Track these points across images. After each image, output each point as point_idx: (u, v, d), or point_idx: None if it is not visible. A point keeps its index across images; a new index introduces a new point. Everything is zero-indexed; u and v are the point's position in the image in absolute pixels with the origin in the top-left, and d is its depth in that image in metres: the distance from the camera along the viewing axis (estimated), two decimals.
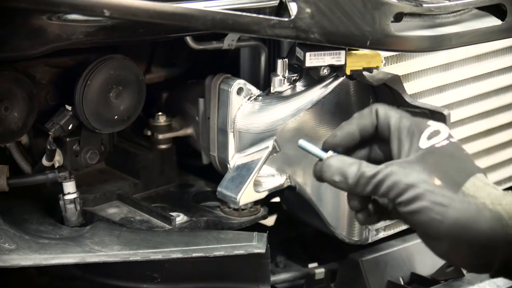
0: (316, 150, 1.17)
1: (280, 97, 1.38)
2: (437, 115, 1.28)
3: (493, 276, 1.10)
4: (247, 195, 1.37)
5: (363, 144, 1.18)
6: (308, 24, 1.16)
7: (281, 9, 1.20)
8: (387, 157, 1.15)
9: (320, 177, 1.15)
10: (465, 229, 1.07)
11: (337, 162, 1.14)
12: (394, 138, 1.14)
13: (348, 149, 1.17)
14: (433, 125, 1.13)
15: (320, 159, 1.16)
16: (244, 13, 1.15)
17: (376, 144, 1.18)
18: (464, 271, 1.47)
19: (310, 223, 1.55)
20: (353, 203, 1.16)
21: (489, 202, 1.07)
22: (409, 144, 1.12)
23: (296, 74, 1.39)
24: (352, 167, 1.12)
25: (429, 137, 1.11)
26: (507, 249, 1.06)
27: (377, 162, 1.13)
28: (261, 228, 1.44)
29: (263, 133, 1.37)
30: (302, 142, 1.18)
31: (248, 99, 1.40)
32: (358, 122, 1.17)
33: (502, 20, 1.31)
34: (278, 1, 1.20)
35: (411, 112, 1.19)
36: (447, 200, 1.07)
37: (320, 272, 1.59)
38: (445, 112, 1.28)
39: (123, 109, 1.39)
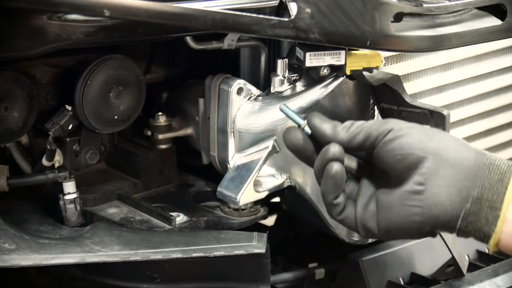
0: (294, 115, 1.21)
1: (280, 97, 1.38)
2: (437, 115, 1.28)
3: (468, 211, 1.10)
4: (247, 195, 1.37)
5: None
6: (308, 24, 1.16)
7: (281, 9, 1.20)
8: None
9: (309, 123, 1.17)
10: (452, 149, 1.12)
11: (320, 115, 1.18)
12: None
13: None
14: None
15: (298, 125, 1.19)
16: (244, 13, 1.15)
17: None
18: (464, 271, 1.47)
19: (310, 223, 1.55)
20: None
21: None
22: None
23: (296, 74, 1.39)
24: (342, 124, 1.16)
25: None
26: (487, 177, 1.10)
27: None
28: (261, 228, 1.44)
29: (263, 133, 1.37)
30: (283, 107, 1.22)
31: (248, 99, 1.40)
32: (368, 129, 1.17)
33: (502, 20, 1.31)
34: (278, 1, 1.20)
35: (410, 113, 1.20)
36: (434, 132, 1.14)
37: (320, 272, 1.59)
38: (445, 112, 1.28)
39: (123, 109, 1.39)
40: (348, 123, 1.16)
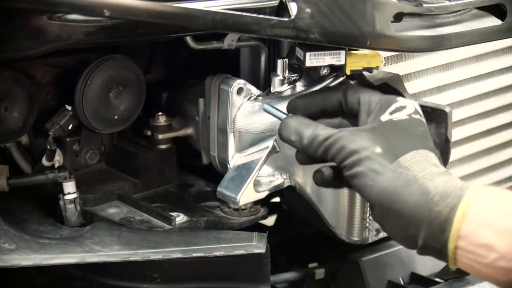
0: (278, 112, 1.24)
1: (280, 97, 1.38)
2: (439, 112, 1.28)
3: (419, 253, 1.10)
4: (247, 195, 1.37)
5: (334, 114, 1.23)
6: (308, 24, 1.16)
7: (281, 9, 1.20)
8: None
9: (280, 135, 1.21)
10: (392, 198, 1.08)
11: (294, 122, 1.19)
12: (363, 111, 1.18)
13: (316, 117, 1.22)
14: (401, 100, 1.16)
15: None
16: (244, 13, 1.15)
17: (346, 118, 1.23)
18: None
19: (310, 223, 1.55)
20: (300, 156, 1.22)
21: (421, 176, 1.07)
22: (373, 116, 1.15)
23: (296, 74, 1.39)
24: (308, 128, 1.17)
25: (392, 112, 1.15)
26: (429, 227, 1.06)
27: None
28: (261, 228, 1.44)
29: (263, 133, 1.37)
30: (266, 106, 1.26)
31: (248, 99, 1.40)
32: (323, 95, 1.24)
33: (502, 20, 1.31)
34: (278, 1, 1.20)
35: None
36: (381, 167, 1.09)
37: (320, 272, 1.59)
38: (447, 109, 1.28)
39: (123, 109, 1.39)
40: (320, 134, 1.16)
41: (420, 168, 1.08)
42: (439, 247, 1.06)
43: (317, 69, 1.32)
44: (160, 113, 1.49)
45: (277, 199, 1.58)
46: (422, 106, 1.29)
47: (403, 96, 1.32)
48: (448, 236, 1.04)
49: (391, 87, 1.34)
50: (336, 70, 1.33)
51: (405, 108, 1.15)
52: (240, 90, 1.39)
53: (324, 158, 1.16)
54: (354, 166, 1.11)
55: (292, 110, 1.24)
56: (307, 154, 1.18)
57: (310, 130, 1.17)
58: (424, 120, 1.16)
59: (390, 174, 1.09)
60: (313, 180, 1.22)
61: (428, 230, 1.06)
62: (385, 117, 1.14)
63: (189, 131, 1.51)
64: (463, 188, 1.05)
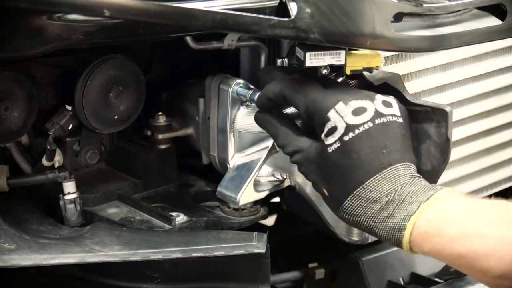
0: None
1: None
2: (439, 112, 1.27)
3: None
4: (247, 195, 1.37)
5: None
6: (308, 24, 1.16)
7: (281, 9, 1.19)
8: None
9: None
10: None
11: (262, 121, 1.27)
12: (304, 120, 1.27)
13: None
14: (332, 118, 1.18)
15: None
16: (244, 13, 1.15)
17: None
18: None
19: (310, 223, 1.55)
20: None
21: (364, 220, 1.16)
22: (317, 130, 1.20)
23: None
24: (273, 128, 1.26)
25: (327, 134, 1.18)
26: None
27: None
28: (261, 228, 1.44)
29: (263, 133, 1.37)
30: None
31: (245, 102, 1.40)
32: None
33: (502, 20, 1.31)
34: (278, 1, 1.20)
35: (412, 111, 1.21)
36: (333, 209, 1.21)
37: (320, 272, 1.59)
38: (447, 108, 1.28)
39: (123, 109, 1.39)
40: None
41: (361, 213, 1.16)
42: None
43: (317, 69, 1.32)
44: (160, 113, 1.49)
45: (277, 199, 1.58)
46: (422, 106, 1.29)
47: (402, 95, 1.32)
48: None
49: (391, 87, 1.34)
50: (336, 70, 1.32)
51: (336, 131, 1.18)
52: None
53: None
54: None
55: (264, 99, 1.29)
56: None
57: (274, 136, 1.26)
58: (362, 121, 1.18)
59: (342, 217, 1.19)
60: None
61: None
62: (323, 137, 1.19)
63: (189, 131, 1.51)
64: (400, 229, 1.12)
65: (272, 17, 1.16)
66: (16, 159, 1.41)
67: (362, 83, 1.35)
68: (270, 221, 1.77)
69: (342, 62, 1.27)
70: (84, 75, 1.33)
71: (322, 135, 1.19)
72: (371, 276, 1.49)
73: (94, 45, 1.29)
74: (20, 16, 1.17)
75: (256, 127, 1.38)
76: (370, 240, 1.46)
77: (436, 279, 1.50)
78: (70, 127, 1.36)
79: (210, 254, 1.28)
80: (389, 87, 1.34)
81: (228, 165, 1.41)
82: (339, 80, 1.35)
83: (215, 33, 1.38)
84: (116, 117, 1.38)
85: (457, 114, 1.53)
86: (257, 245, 1.29)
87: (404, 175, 1.15)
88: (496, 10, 1.32)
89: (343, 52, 1.26)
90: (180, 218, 1.38)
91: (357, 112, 1.18)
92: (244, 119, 1.39)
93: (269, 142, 1.38)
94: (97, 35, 1.20)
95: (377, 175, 1.15)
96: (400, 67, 1.42)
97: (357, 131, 1.17)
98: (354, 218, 1.17)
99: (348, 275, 1.52)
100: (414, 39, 1.24)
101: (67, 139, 1.40)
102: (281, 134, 1.24)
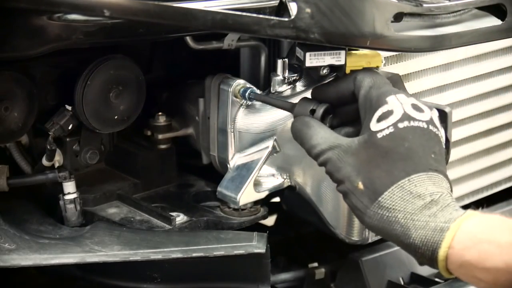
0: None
1: (280, 97, 1.38)
2: (439, 113, 1.27)
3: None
4: (247, 195, 1.37)
5: (350, 101, 1.23)
6: (308, 24, 1.16)
7: (281, 9, 1.20)
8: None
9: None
10: (380, 234, 1.13)
11: (298, 125, 1.22)
12: (361, 108, 1.19)
13: (334, 104, 1.24)
14: (390, 102, 1.15)
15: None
16: (244, 13, 1.15)
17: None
18: None
19: (310, 223, 1.55)
20: None
21: (402, 216, 1.09)
22: (367, 119, 1.16)
23: (296, 74, 1.39)
24: (307, 134, 1.20)
25: (379, 119, 1.14)
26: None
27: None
28: (261, 228, 1.44)
29: (263, 133, 1.37)
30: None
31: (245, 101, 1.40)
32: (337, 84, 1.25)
33: (502, 20, 1.31)
34: (278, 1, 1.20)
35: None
36: (364, 207, 1.12)
37: (320, 272, 1.59)
38: (447, 109, 1.28)
39: (123, 109, 1.39)
40: None
41: (400, 207, 1.10)
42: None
43: (317, 69, 1.32)
44: (160, 113, 1.49)
45: (277, 199, 1.58)
46: None
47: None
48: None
49: None
50: (336, 70, 1.33)
51: (392, 115, 1.14)
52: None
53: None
54: (342, 194, 1.16)
55: (314, 96, 1.26)
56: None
57: (308, 137, 1.19)
58: (419, 118, 1.15)
59: (373, 215, 1.11)
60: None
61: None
62: (373, 126, 1.14)
63: (189, 131, 1.51)
64: (443, 230, 1.06)
65: (272, 17, 1.16)
66: (16, 159, 1.41)
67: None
68: (270, 221, 1.77)
69: (342, 62, 1.27)
70: (84, 75, 1.33)
71: (372, 122, 1.14)
72: (371, 276, 1.49)
73: (94, 45, 1.29)
74: (20, 16, 1.17)
75: (256, 127, 1.38)
76: (370, 240, 1.46)
77: (436, 279, 1.50)
78: (70, 127, 1.36)
79: (210, 254, 1.28)
80: None
81: (228, 165, 1.41)
82: None
83: (215, 33, 1.38)
84: (116, 117, 1.38)
85: (457, 114, 1.53)
86: (257, 245, 1.29)
87: (446, 187, 1.12)
88: (496, 10, 1.32)
89: (343, 52, 1.27)
90: (180, 218, 1.38)
91: (416, 108, 1.15)
92: (244, 119, 1.39)
93: (269, 142, 1.38)
94: (97, 35, 1.20)
95: (423, 174, 1.11)
96: (400, 67, 1.42)
97: (412, 123, 1.13)
98: (390, 214, 1.09)
99: (348, 275, 1.52)
100: (414, 39, 1.24)
101: (67, 139, 1.40)
102: (318, 134, 1.18)
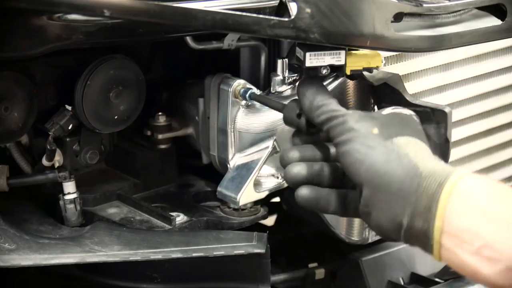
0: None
1: (280, 97, 1.38)
2: (439, 113, 1.28)
3: (404, 239, 1.08)
4: (247, 195, 1.37)
5: None
6: (308, 24, 1.16)
7: (281, 9, 1.20)
8: None
9: (297, 89, 1.22)
10: (381, 171, 1.08)
11: (315, 86, 1.21)
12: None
13: None
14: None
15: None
16: (244, 13, 1.15)
17: None
18: None
19: (310, 223, 1.55)
20: (296, 140, 1.22)
21: (413, 155, 1.08)
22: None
23: (296, 74, 1.39)
24: (324, 95, 1.19)
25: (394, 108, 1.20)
26: (416, 203, 1.05)
27: None
28: (261, 228, 1.44)
29: (263, 133, 1.37)
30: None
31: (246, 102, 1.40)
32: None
33: (502, 20, 1.31)
34: (278, 1, 1.20)
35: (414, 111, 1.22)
36: (375, 143, 1.10)
37: (320, 272, 1.59)
38: (447, 109, 1.28)
39: (123, 109, 1.39)
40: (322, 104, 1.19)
41: (413, 149, 1.09)
42: (424, 230, 1.04)
43: (317, 69, 1.32)
44: (160, 113, 1.49)
45: (277, 199, 1.58)
46: (421, 106, 1.30)
47: (402, 95, 1.32)
48: (435, 213, 1.03)
49: (391, 87, 1.34)
50: (336, 70, 1.32)
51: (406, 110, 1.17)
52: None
53: (320, 127, 1.17)
54: (348, 143, 1.11)
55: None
56: (309, 116, 1.18)
57: (325, 97, 1.18)
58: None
59: (383, 149, 1.09)
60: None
61: (414, 206, 1.05)
62: (387, 111, 1.17)
63: (189, 131, 1.51)
64: (452, 171, 1.05)
65: (272, 17, 1.16)
66: (16, 159, 1.41)
67: (362, 83, 1.35)
68: (270, 221, 1.77)
69: (342, 62, 1.27)
70: (84, 75, 1.33)
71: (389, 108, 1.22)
72: (371, 276, 1.49)
73: (94, 45, 1.29)
74: (20, 16, 1.17)
75: (256, 127, 1.38)
76: (370, 240, 1.46)
77: (436, 279, 1.50)
78: (70, 127, 1.36)
79: (210, 254, 1.28)
80: (389, 87, 1.34)
81: (228, 165, 1.41)
82: (339, 80, 1.35)
83: (215, 33, 1.38)
84: (116, 117, 1.38)
85: (457, 114, 1.53)
86: (257, 245, 1.29)
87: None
88: (496, 10, 1.32)
89: (343, 52, 1.27)
90: (180, 218, 1.38)
91: None
92: (244, 119, 1.39)
93: (269, 142, 1.38)
94: (97, 35, 1.20)
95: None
96: (400, 67, 1.42)
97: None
98: (400, 150, 1.10)
99: (348, 275, 1.52)
100: (414, 39, 1.24)
101: (67, 139, 1.40)
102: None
